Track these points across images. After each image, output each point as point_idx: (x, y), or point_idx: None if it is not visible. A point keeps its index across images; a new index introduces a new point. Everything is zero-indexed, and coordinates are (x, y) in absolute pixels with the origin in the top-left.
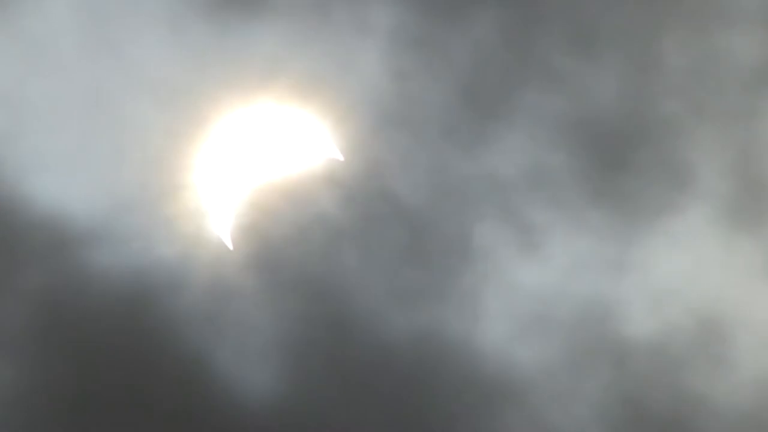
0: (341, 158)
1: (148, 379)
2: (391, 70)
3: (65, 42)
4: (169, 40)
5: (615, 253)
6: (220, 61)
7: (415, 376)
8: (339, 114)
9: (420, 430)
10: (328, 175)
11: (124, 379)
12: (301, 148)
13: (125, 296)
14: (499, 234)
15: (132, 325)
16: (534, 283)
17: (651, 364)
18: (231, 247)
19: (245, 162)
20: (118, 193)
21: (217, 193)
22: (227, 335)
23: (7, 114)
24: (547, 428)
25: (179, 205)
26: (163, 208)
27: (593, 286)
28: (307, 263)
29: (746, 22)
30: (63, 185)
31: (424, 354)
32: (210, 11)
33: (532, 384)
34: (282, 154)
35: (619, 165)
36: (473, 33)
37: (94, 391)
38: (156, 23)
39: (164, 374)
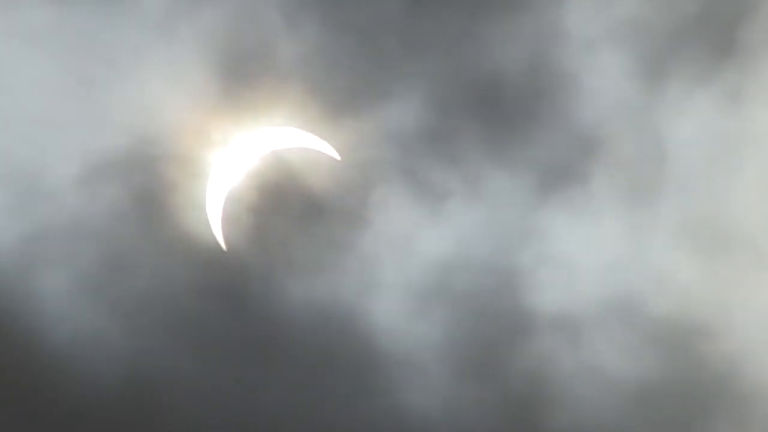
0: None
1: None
2: (291, 25)
3: None
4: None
5: (517, 220)
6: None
7: (309, 350)
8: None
9: (314, 405)
10: None
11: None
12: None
13: None
14: (397, 200)
15: None
16: (433, 251)
17: (556, 336)
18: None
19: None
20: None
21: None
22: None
23: None
24: (446, 404)
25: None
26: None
27: (495, 255)
28: None
29: None
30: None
31: (318, 326)
32: None
33: (430, 357)
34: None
35: (522, 129)
36: None
37: None
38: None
39: None
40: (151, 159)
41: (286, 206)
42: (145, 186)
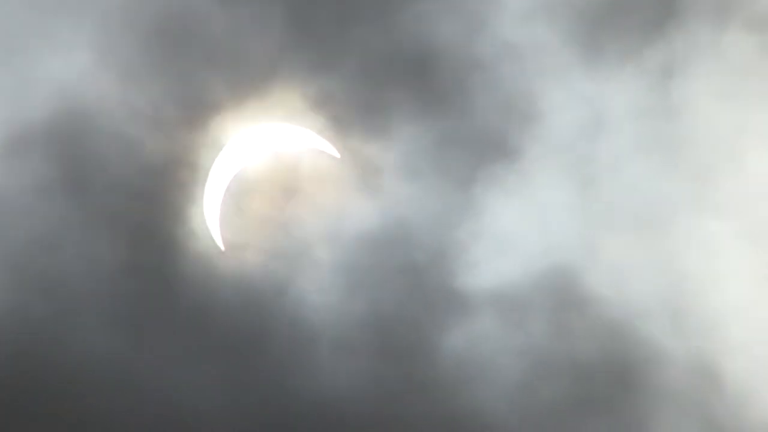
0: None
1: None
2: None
3: None
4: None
5: (451, 195)
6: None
7: (239, 329)
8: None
9: (244, 384)
10: None
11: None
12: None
13: None
14: (329, 174)
15: None
16: (368, 229)
17: (488, 314)
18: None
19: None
20: None
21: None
22: None
23: None
24: (380, 381)
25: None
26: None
27: (428, 231)
28: None
29: None
30: None
31: (248, 305)
32: None
33: (359, 335)
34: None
35: (456, 102)
36: None
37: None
38: None
39: None
40: (77, 133)
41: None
42: (72, 161)
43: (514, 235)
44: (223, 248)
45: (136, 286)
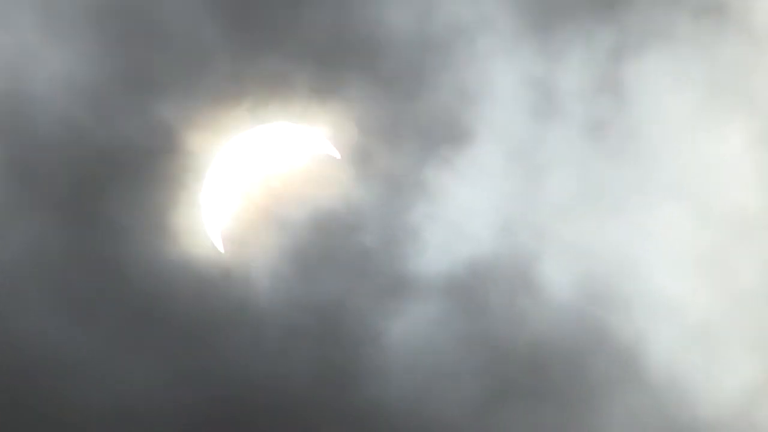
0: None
1: None
2: None
3: None
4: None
5: (402, 179)
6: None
7: (188, 314)
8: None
9: (194, 367)
10: None
11: None
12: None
13: None
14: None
15: None
16: (315, 210)
17: (444, 300)
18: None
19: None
20: None
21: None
22: None
23: None
24: (327, 367)
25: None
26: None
27: (382, 216)
28: None
29: None
30: None
31: (196, 289)
32: None
33: (310, 322)
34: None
35: (408, 85)
36: None
37: None
38: None
39: None
40: (21, 116)
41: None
42: (16, 144)
43: (465, 219)
44: (173, 234)
45: (82, 273)
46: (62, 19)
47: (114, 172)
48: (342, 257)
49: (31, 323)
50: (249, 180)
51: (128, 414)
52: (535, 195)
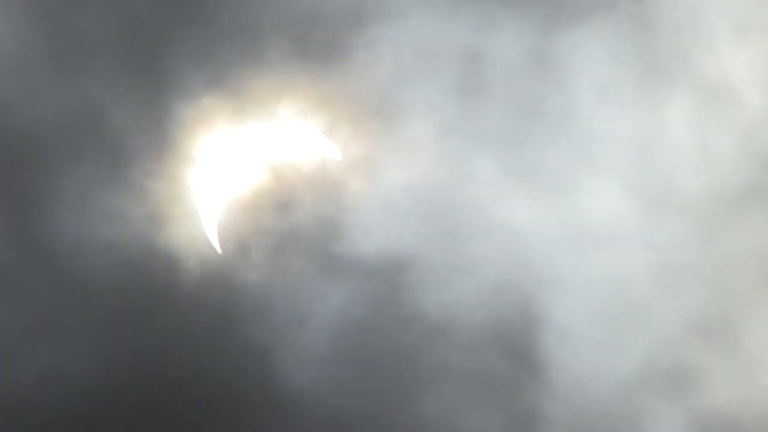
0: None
1: None
2: None
3: None
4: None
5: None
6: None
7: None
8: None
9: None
10: None
11: None
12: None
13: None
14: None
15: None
16: (243, 189)
17: (384, 283)
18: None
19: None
20: None
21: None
22: None
23: None
24: (259, 346)
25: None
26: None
27: (314, 195)
28: None
29: None
30: None
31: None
32: None
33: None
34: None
35: (337, 61)
36: None
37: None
38: None
39: None
40: None
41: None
42: None
43: (400, 199)
44: (99, 215)
45: (8, 255)
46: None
47: (39, 150)
48: (272, 236)
49: None
50: (175, 158)
51: (46, 395)
52: (466, 173)
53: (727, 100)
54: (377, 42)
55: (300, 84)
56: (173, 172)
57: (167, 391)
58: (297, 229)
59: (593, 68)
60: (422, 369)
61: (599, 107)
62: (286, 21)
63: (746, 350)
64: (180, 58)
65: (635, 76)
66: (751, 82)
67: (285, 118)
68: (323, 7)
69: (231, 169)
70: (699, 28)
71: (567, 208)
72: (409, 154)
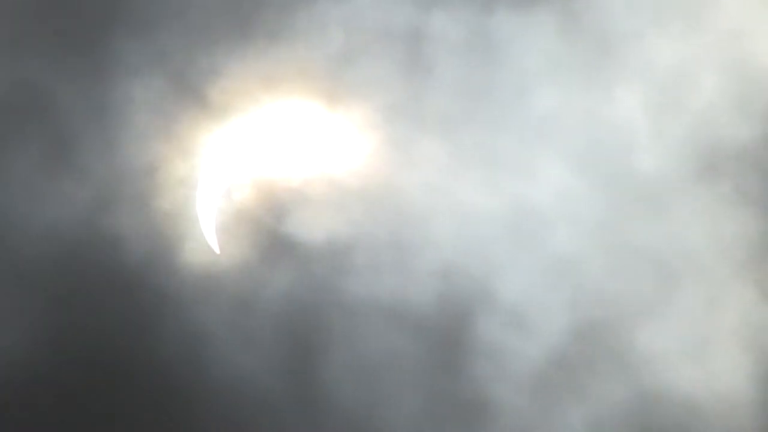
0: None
1: None
2: None
3: None
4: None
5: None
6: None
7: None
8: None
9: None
10: None
11: None
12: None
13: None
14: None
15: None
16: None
17: (326, 265)
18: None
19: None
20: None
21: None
22: None
23: None
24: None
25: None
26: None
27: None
28: None
29: None
30: None
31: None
32: None
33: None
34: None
35: (276, 45)
36: None
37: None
38: None
39: None
40: None
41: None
42: None
43: (346, 181)
44: (43, 198)
45: None
46: None
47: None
48: (217, 219)
49: None
50: (120, 138)
51: None
52: (413, 154)
53: (679, 82)
54: (324, 22)
55: (246, 63)
56: (118, 153)
57: (108, 375)
58: (242, 212)
59: (543, 49)
60: (368, 353)
61: (549, 88)
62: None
63: (701, 332)
64: (125, 36)
65: (586, 57)
66: (705, 64)
67: (230, 96)
68: None
69: (176, 149)
70: (652, 10)
71: (516, 190)
72: (355, 135)
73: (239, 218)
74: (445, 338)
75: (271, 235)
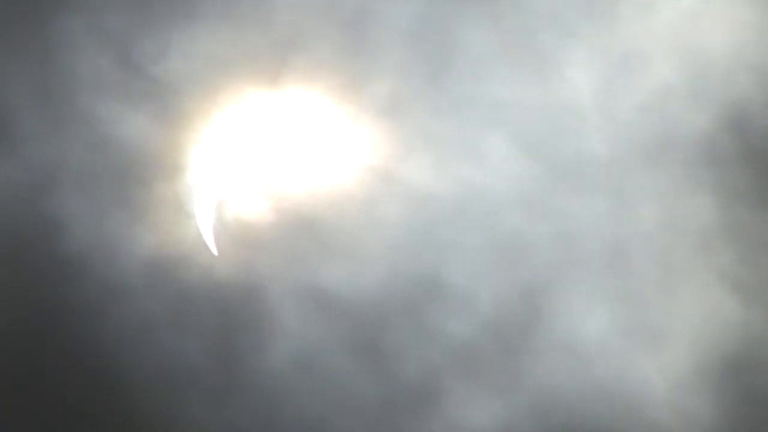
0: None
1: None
2: None
3: None
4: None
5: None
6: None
7: None
8: None
9: None
10: None
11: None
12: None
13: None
14: None
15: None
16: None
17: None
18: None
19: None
20: None
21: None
22: None
23: None
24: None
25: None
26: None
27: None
28: None
29: None
30: None
31: None
32: None
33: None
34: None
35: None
36: None
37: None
38: None
39: None
40: None
41: None
42: None
43: (292, 163)
44: None
45: None
46: None
47: None
48: (163, 205)
49: None
50: (64, 119)
51: None
52: (363, 137)
53: (632, 65)
54: (272, 2)
55: (189, 42)
56: (62, 134)
57: (43, 364)
58: (186, 196)
59: (493, 31)
60: (313, 337)
61: (499, 72)
62: None
63: (654, 321)
64: (66, 8)
65: (537, 39)
66: (658, 47)
67: (174, 77)
68: None
69: (122, 129)
70: None
71: (464, 173)
72: (301, 117)
73: (183, 204)
74: (392, 322)
75: (214, 221)
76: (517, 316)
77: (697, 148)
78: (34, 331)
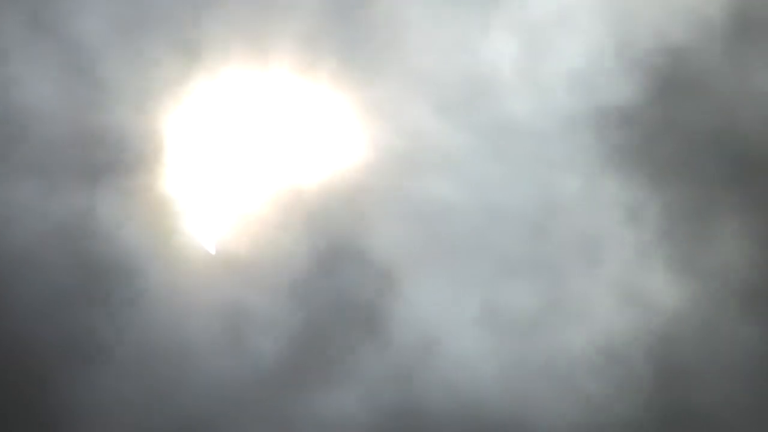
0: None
1: None
2: None
3: None
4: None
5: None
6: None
7: None
8: None
9: None
10: None
11: None
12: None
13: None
14: None
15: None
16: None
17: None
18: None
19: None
20: None
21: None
22: None
23: None
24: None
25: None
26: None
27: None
28: None
29: None
30: None
31: None
32: None
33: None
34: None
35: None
36: None
37: None
38: None
39: None
40: None
41: None
42: None
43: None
44: None
45: None
46: None
47: None
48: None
49: None
50: (14, 103)
51: None
52: (283, 105)
53: (554, 30)
54: None
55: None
56: (14, 118)
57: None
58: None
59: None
60: (242, 308)
61: (422, 38)
62: None
63: (575, 288)
64: None
65: (462, 4)
66: (584, 12)
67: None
68: None
69: (69, 115)
70: None
71: (390, 137)
72: (221, 85)
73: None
74: (298, 291)
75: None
76: (440, 285)
77: (623, 117)
78: None
